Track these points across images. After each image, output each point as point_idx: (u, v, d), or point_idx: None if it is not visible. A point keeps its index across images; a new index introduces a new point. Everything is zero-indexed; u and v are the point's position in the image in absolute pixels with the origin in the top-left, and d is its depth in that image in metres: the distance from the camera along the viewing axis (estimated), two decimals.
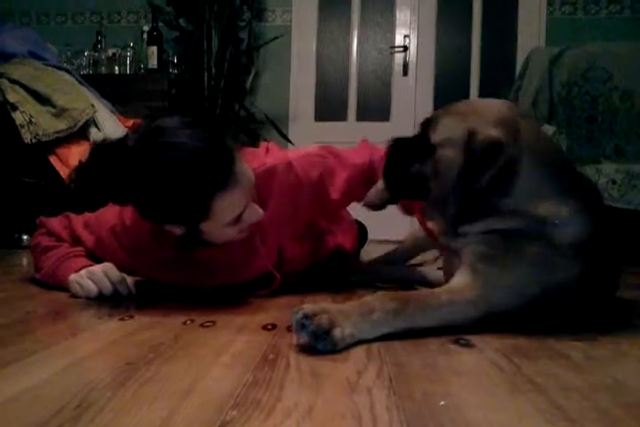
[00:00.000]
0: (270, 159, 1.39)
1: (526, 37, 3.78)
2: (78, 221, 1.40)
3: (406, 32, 3.93)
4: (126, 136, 1.07)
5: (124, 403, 0.64)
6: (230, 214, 1.12)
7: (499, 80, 3.76)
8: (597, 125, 2.49)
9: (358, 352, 0.88)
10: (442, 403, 0.66)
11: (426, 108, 3.92)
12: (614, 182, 2.08)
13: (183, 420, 0.59)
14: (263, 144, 1.54)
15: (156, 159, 1.03)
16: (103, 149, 1.06)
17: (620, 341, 1.00)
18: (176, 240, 1.21)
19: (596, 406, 0.67)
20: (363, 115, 4.02)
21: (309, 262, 1.55)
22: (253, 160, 1.35)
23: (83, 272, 1.31)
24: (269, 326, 1.05)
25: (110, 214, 1.32)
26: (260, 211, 1.21)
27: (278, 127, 3.72)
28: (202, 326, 1.05)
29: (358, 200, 1.47)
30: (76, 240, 1.40)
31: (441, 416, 0.62)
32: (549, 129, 2.31)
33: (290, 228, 1.41)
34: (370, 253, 2.23)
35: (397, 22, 3.96)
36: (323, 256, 1.61)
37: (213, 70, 3.63)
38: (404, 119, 3.94)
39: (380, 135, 3.89)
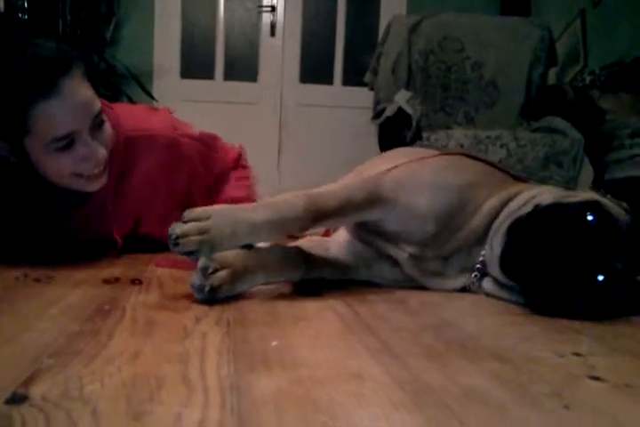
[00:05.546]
0: (158, 124, 1.35)
1: (389, 4, 3.86)
2: None
3: None
4: None
5: None
6: (51, 131, 1.03)
7: (363, 45, 3.82)
8: (451, 93, 2.62)
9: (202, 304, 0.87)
10: (274, 344, 0.67)
11: (293, 70, 3.91)
12: (462, 146, 2.22)
13: None
14: (148, 105, 1.53)
15: None
16: None
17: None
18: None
19: (420, 343, 0.72)
20: (230, 74, 3.92)
21: None
22: (126, 114, 1.30)
23: None
24: (112, 280, 1.01)
25: None
26: (102, 151, 1.12)
27: (141, 83, 3.53)
28: (36, 280, 0.99)
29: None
30: None
31: (270, 355, 0.63)
32: (406, 94, 2.40)
33: (157, 202, 1.38)
34: None
35: None
36: None
37: (68, 17, 3.35)
38: (272, 80, 3.90)
39: (247, 96, 3.88)
